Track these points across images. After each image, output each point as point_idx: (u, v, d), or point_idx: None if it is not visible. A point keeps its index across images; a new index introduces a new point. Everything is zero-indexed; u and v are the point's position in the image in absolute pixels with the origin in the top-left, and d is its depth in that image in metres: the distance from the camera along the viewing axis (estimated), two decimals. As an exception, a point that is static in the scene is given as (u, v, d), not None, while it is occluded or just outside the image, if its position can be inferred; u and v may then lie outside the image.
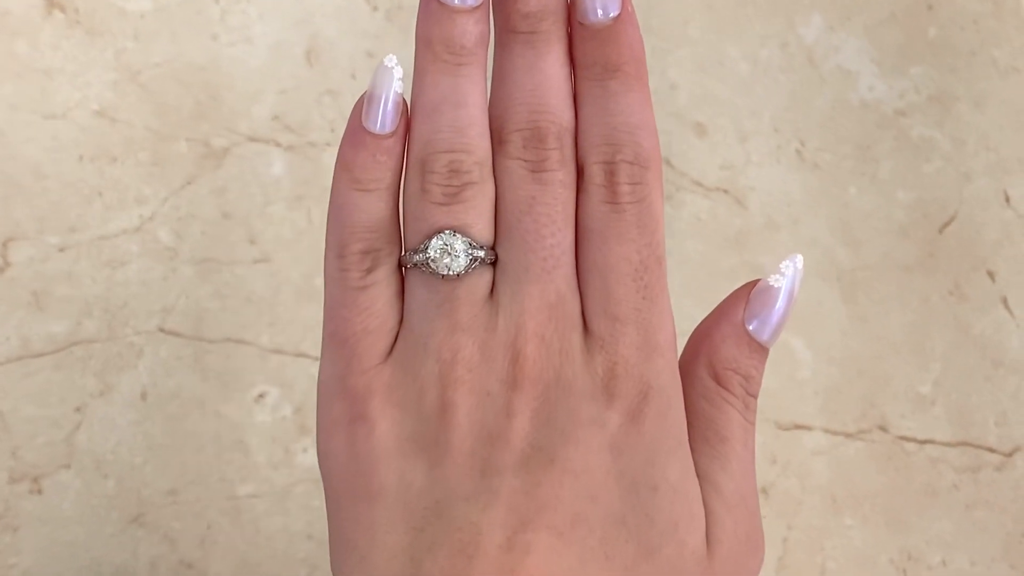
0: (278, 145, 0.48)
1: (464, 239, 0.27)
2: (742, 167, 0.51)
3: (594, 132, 0.28)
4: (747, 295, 0.28)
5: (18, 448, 0.44)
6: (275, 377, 0.46)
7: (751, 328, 0.28)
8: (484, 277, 0.27)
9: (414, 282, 0.27)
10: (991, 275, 0.50)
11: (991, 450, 0.48)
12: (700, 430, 0.28)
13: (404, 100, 0.28)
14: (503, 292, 0.27)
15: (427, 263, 0.27)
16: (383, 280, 0.28)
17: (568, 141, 0.28)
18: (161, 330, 0.46)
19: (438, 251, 0.27)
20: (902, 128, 0.51)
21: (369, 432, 0.27)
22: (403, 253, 0.28)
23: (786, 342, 0.49)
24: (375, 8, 0.50)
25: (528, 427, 0.26)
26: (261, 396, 0.46)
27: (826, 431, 0.48)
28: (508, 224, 0.27)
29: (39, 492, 0.44)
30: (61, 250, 0.46)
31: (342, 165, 0.28)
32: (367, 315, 0.27)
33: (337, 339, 0.27)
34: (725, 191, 0.50)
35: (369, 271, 0.27)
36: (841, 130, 0.51)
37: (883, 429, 0.48)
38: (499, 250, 0.27)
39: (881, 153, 0.51)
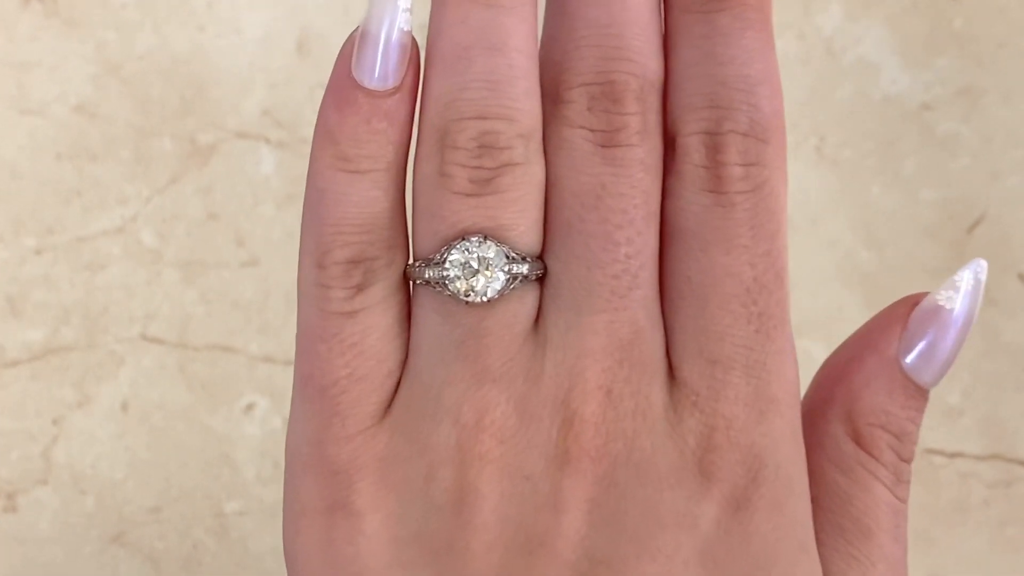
0: (268, 142, 0.48)
1: (500, 247, 0.20)
2: (758, 165, 0.50)
3: (692, 89, 0.20)
4: (904, 318, 0.21)
5: (-9, 463, 0.44)
6: (264, 387, 0.45)
7: (908, 364, 0.21)
8: (526, 302, 0.20)
9: (425, 307, 0.21)
10: (1022, 278, 0.50)
11: (1024, 463, 0.48)
12: (832, 516, 0.21)
13: (415, 41, 0.21)
14: (554, 324, 0.20)
15: (444, 281, 0.20)
16: (379, 303, 0.21)
17: (654, 102, 0.20)
18: (143, 337, 0.45)
19: (461, 264, 0.20)
20: (927, 123, 0.51)
21: (354, 529, 0.20)
22: (410, 264, 0.21)
23: (804, 349, 0.49)
24: (370, -3, 0.50)
25: (584, 528, 0.19)
26: (250, 407, 0.45)
27: (849, 444, 0.48)
28: (564, 224, 0.20)
29: (14, 510, 0.43)
30: (38, 253, 0.45)
31: (323, 134, 0.21)
32: (355, 354, 0.20)
33: (312, 387, 0.20)
34: (740, 190, 0.50)
35: (359, 289, 0.20)
36: (862, 125, 0.51)
37: (909, 441, 0.48)
38: (549, 261, 0.20)
39: (905, 150, 0.51)
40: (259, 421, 0.45)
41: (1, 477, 0.44)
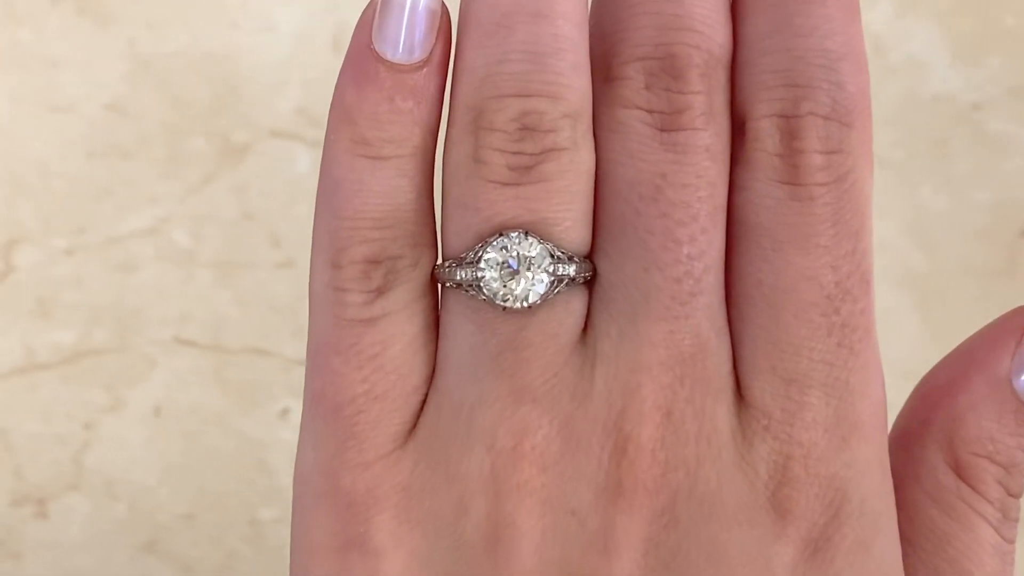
0: (303, 140, 0.47)
1: (543, 244, 0.17)
2: (805, 165, 0.50)
3: (765, 64, 0.18)
4: (1017, 332, 0.19)
5: (21, 468, 0.43)
6: (300, 391, 0.45)
7: (1022, 385, 0.18)
8: (573, 309, 0.18)
9: (456, 314, 0.18)
10: (1078, 282, 0.49)
11: (1083, 473, 0.47)
12: (927, 557, 0.18)
13: (445, 7, 0.19)
14: (605, 334, 0.18)
15: (478, 283, 0.18)
16: (403, 308, 0.18)
17: (721, 79, 0.18)
18: (177, 340, 0.45)
19: (498, 264, 0.18)
20: (979, 123, 0.50)
21: (372, 570, 0.18)
22: (439, 264, 0.19)
23: (853, 355, 0.48)
24: (407, -7, 0.50)
25: (639, 572, 0.17)
26: (285, 411, 0.45)
27: (900, 452, 0.47)
28: (618, 219, 0.18)
29: (44, 516, 0.43)
30: (69, 253, 0.45)
31: (340, 114, 0.18)
32: (374, 368, 0.18)
33: (325, 406, 0.18)
34: (787, 191, 0.49)
35: (380, 293, 0.18)
36: (913, 125, 0.50)
37: (963, 450, 0.47)
38: (600, 262, 0.18)
39: (956, 150, 0.50)
40: (294, 426, 0.45)
41: (31, 483, 0.43)
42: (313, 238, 0.19)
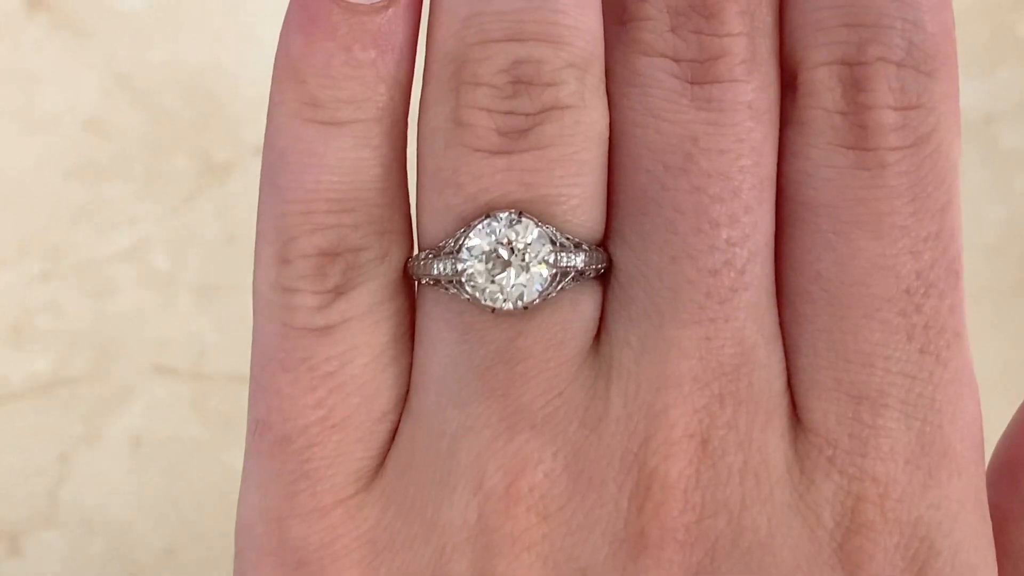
0: (288, 158, 0.47)
1: (542, 228, 0.14)
2: (810, 181, 0.49)
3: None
4: None
5: (-6, 502, 0.43)
6: (286, 420, 0.44)
7: None
8: (582, 310, 0.15)
9: (434, 318, 0.15)
10: (1095, 301, 0.49)
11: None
12: None
13: None
14: (623, 342, 0.14)
15: (460, 279, 0.14)
16: (366, 313, 0.15)
17: (766, 18, 0.15)
18: (156, 367, 0.44)
19: (485, 254, 0.14)
20: (990, 137, 0.50)
21: None
22: (413, 256, 0.16)
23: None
24: (396, 5, 0.49)
25: None
26: (270, 442, 0.44)
27: (911, 480, 0.46)
28: (638, 195, 0.15)
29: (18, 553, 0.42)
30: (44, 277, 0.45)
31: (285, 70, 0.15)
32: (331, 388, 0.15)
33: (271, 437, 0.15)
34: (791, 208, 0.49)
35: (338, 293, 0.15)
36: (921, 139, 0.50)
37: (977, 477, 0.46)
38: (616, 250, 0.15)
39: (967, 164, 0.49)
40: (280, 457, 0.44)
41: (4, 518, 0.43)
42: (257, 227, 0.16)
